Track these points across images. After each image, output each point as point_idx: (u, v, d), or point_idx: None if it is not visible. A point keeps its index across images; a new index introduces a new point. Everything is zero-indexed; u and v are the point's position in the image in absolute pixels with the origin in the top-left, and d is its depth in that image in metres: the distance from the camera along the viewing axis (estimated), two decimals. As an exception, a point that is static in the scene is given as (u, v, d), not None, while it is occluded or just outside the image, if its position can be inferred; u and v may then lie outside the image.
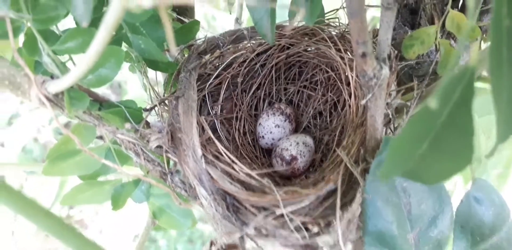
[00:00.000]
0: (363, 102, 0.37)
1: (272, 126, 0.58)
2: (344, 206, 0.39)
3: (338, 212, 0.37)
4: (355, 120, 0.46)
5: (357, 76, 0.49)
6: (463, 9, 0.42)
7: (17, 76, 0.35)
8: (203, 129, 0.48)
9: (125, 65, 0.50)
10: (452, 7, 0.38)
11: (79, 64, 0.32)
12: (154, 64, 0.45)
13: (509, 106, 0.25)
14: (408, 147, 0.25)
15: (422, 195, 0.39)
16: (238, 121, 0.59)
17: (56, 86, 0.36)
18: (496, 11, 0.20)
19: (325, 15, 0.55)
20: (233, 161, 0.44)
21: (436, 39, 0.40)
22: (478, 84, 0.55)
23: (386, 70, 0.35)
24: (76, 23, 0.39)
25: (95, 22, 0.31)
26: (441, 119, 0.22)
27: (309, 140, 0.57)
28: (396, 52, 0.47)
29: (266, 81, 0.61)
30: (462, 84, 0.21)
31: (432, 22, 0.44)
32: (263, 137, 0.59)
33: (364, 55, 0.33)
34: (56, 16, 0.36)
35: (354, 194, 0.39)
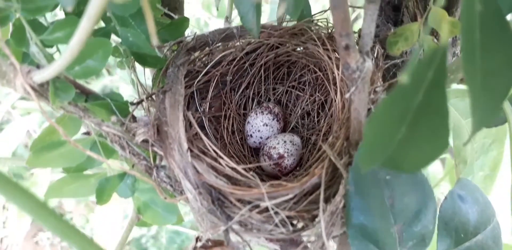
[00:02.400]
0: (347, 95, 0.38)
1: (260, 124, 0.59)
2: (328, 198, 0.39)
3: (322, 204, 0.38)
4: (341, 117, 0.47)
5: (342, 73, 0.50)
6: (445, 6, 0.43)
7: (2, 64, 0.35)
8: (190, 125, 0.48)
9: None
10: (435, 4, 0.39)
11: (64, 54, 0.32)
12: (143, 59, 0.45)
13: (483, 92, 0.26)
14: (386, 131, 0.25)
15: (405, 188, 0.39)
16: (226, 120, 0.59)
17: (41, 76, 0.36)
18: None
19: (313, 16, 0.56)
20: (219, 156, 0.45)
21: (419, 36, 0.41)
22: (461, 87, 0.56)
23: (369, 63, 0.35)
24: (66, 14, 0.40)
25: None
26: (418, 100, 0.22)
27: (296, 139, 0.58)
28: (382, 50, 0.48)
29: (255, 81, 0.61)
30: (435, 64, 0.21)
31: (415, 20, 0.45)
32: (251, 135, 0.60)
33: (347, 47, 0.34)
34: (45, 6, 0.36)
35: (337, 187, 0.39)
